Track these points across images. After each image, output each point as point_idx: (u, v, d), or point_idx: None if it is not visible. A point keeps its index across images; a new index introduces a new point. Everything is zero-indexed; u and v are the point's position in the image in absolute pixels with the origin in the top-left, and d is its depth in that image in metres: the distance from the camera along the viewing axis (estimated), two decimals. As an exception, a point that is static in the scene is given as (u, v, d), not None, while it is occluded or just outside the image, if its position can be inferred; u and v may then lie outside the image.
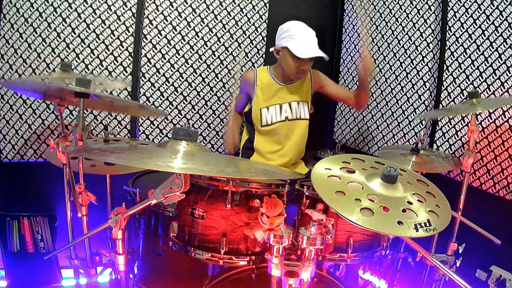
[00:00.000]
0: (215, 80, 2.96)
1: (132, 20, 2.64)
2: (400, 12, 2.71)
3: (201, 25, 2.84)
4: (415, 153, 1.99)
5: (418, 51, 2.58)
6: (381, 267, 2.27)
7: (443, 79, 2.41)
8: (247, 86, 2.37)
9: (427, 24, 2.51)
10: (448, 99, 2.40)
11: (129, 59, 2.69)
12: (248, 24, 2.98)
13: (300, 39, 2.11)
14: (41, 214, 2.57)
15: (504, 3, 2.05)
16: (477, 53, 2.21)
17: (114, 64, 2.66)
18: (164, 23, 2.74)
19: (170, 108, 2.87)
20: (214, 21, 2.87)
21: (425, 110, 2.56)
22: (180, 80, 2.86)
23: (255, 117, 2.35)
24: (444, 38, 2.39)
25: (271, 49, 2.27)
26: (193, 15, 2.80)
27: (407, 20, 2.65)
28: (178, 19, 2.78)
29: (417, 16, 2.58)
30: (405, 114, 2.70)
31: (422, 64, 2.55)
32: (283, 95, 2.32)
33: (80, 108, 1.56)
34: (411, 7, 2.62)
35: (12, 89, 2.40)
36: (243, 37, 2.98)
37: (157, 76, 2.79)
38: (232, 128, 2.42)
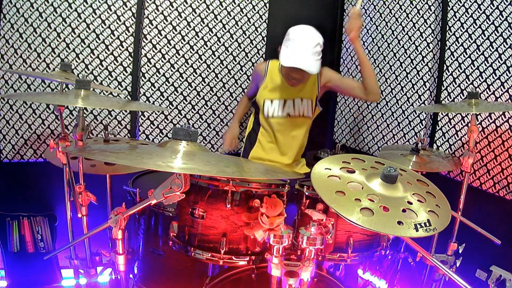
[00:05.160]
0: (215, 80, 2.96)
1: (132, 20, 2.64)
2: (400, 12, 2.71)
3: (201, 25, 2.84)
4: (415, 153, 1.99)
5: (418, 51, 2.58)
6: (381, 267, 2.26)
7: (443, 79, 2.41)
8: (257, 77, 2.41)
9: (427, 24, 2.51)
10: (448, 99, 2.40)
11: (129, 59, 2.69)
12: (248, 24, 2.98)
13: (293, 46, 2.06)
14: (41, 214, 2.57)
15: (504, 3, 2.05)
16: (477, 53, 2.21)
17: (114, 64, 2.66)
18: (164, 23, 2.74)
19: (170, 108, 2.87)
20: (214, 21, 2.87)
21: (425, 111, 2.56)
22: (180, 80, 2.86)
23: (259, 106, 2.37)
24: (444, 38, 2.39)
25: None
26: (193, 15, 2.80)
27: (407, 20, 2.65)
28: (178, 19, 2.77)
29: (417, 16, 2.58)
30: (405, 114, 2.70)
31: (422, 64, 2.55)
32: (288, 90, 2.31)
33: (80, 108, 1.56)
34: (411, 7, 2.62)
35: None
36: (243, 37, 2.98)
37: (157, 76, 2.79)
38: (237, 113, 2.63)
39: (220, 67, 2.96)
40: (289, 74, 2.17)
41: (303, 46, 2.04)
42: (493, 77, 2.13)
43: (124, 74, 2.70)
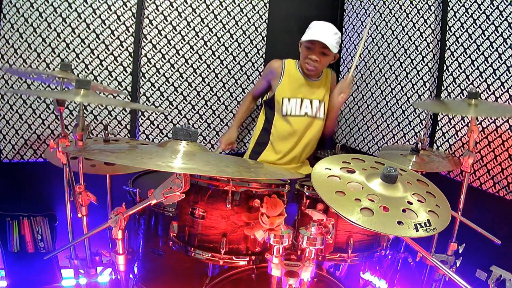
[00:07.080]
0: (215, 80, 2.96)
1: (132, 20, 2.64)
2: (400, 12, 2.71)
3: (201, 25, 2.84)
4: (415, 153, 1.99)
5: (418, 51, 2.58)
6: (381, 267, 2.26)
7: (443, 79, 2.41)
8: (271, 74, 2.42)
9: (427, 24, 2.51)
10: (448, 99, 2.39)
11: (129, 59, 2.69)
12: (248, 24, 2.98)
13: (312, 28, 2.23)
14: (41, 214, 2.57)
15: (504, 3, 2.05)
16: (477, 53, 2.21)
17: (114, 64, 2.66)
18: (164, 23, 2.74)
19: (170, 108, 2.87)
20: (214, 21, 2.87)
21: (425, 110, 2.56)
22: (180, 80, 2.86)
23: (277, 104, 2.37)
24: (444, 38, 2.39)
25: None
26: (193, 15, 2.80)
27: (407, 20, 2.65)
28: (178, 19, 2.77)
29: (417, 16, 2.58)
30: (405, 114, 2.70)
31: (422, 64, 2.55)
32: (306, 90, 2.36)
33: (80, 108, 1.56)
34: (411, 7, 2.62)
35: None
36: (243, 37, 2.98)
37: (157, 76, 2.79)
38: (238, 116, 2.70)
39: (220, 67, 2.95)
40: (308, 56, 2.23)
41: (322, 25, 2.23)
42: (493, 77, 2.13)
43: (124, 74, 2.70)
